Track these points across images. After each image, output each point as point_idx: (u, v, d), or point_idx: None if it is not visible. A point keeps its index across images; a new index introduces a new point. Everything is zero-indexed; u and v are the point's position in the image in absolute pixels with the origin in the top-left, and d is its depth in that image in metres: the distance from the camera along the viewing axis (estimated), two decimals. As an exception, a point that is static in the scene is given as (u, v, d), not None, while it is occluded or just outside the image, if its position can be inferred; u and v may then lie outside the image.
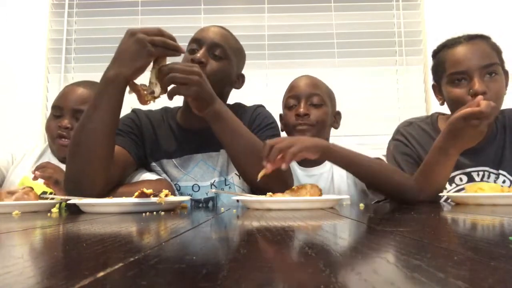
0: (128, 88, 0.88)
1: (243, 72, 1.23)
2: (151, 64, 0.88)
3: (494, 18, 1.94)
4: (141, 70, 0.86)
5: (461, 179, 1.11)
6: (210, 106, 0.94)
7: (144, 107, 1.20)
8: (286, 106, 1.25)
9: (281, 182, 0.99)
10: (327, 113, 1.22)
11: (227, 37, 1.12)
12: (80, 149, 0.88)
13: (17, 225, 0.56)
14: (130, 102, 1.25)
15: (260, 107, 1.22)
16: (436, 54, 1.17)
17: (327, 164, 1.26)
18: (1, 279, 0.21)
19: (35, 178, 0.99)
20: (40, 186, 1.05)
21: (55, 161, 1.21)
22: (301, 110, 1.18)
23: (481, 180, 1.11)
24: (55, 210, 0.83)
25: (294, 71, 2.02)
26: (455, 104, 1.06)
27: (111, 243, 0.35)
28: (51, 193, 1.05)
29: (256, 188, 1.03)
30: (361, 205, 0.90)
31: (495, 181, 1.10)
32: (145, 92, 0.86)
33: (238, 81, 1.20)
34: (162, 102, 1.26)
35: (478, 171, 1.11)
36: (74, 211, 0.82)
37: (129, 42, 0.84)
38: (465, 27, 1.95)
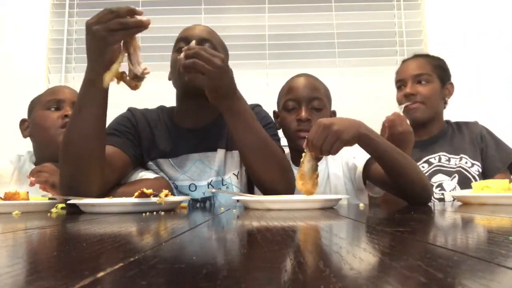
0: (115, 79, 0.85)
1: (243, 71, 1.23)
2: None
3: (495, 18, 1.94)
4: (113, 62, 0.82)
5: (423, 167, 1.32)
6: (228, 99, 0.94)
7: (140, 106, 1.20)
8: (285, 108, 1.23)
9: (285, 182, 0.99)
10: (326, 117, 1.22)
11: (212, 33, 1.13)
12: (70, 153, 0.87)
13: (17, 225, 0.56)
14: (128, 102, 1.25)
15: (257, 106, 1.22)
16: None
17: (322, 163, 1.25)
18: (1, 279, 0.21)
19: (31, 184, 0.97)
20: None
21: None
22: (303, 115, 1.17)
23: (439, 162, 1.32)
24: (55, 210, 0.83)
25: (294, 71, 2.01)
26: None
27: (111, 243, 0.35)
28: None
29: (261, 187, 1.03)
30: (361, 205, 0.90)
31: (457, 163, 1.32)
32: (128, 78, 0.84)
33: None
34: (162, 100, 1.27)
35: (434, 156, 1.34)
36: (74, 211, 0.82)
37: (89, 39, 0.79)
38: (466, 27, 1.96)
